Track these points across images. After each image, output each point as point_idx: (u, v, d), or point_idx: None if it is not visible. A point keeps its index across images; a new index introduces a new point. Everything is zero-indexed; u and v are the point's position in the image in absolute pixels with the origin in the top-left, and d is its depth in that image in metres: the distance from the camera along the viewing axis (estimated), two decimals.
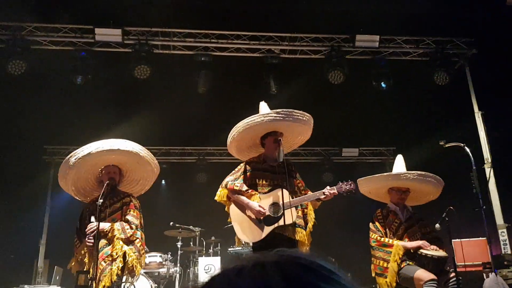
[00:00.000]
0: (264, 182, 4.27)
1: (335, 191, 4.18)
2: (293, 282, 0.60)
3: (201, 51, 8.13)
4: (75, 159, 4.47)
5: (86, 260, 4.31)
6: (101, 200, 4.21)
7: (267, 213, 4.07)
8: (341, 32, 8.13)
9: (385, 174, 5.03)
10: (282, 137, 4.42)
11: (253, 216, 4.15)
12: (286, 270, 0.61)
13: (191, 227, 8.17)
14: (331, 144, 10.36)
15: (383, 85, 8.27)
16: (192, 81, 8.19)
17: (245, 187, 4.22)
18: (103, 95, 8.30)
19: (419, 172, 4.93)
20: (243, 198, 4.20)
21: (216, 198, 4.36)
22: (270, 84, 8.05)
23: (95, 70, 8.03)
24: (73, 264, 4.42)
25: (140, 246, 4.32)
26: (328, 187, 4.19)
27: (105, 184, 4.37)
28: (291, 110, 4.33)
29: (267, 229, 4.06)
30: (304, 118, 4.40)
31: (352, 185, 4.27)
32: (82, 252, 4.34)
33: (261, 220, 4.09)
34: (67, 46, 8.01)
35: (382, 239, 4.66)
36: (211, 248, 8.10)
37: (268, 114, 4.34)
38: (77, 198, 4.82)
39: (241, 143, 4.65)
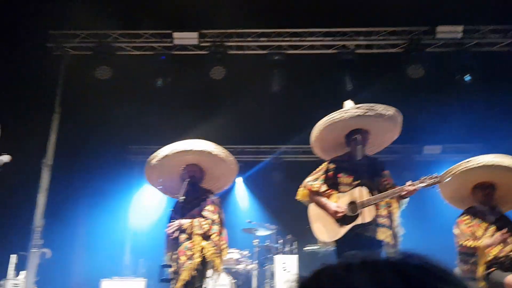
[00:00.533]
0: (346, 180, 4.20)
1: (416, 186, 3.99)
2: (411, 281, 0.58)
3: (274, 50, 8.17)
4: (155, 161, 4.77)
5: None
6: (183, 197, 4.40)
7: (344, 212, 4.00)
8: (420, 24, 7.77)
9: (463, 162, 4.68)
10: (368, 135, 4.32)
11: (331, 216, 4.11)
12: (401, 268, 0.59)
13: (267, 224, 8.23)
14: (410, 141, 9.94)
15: (467, 78, 7.79)
16: (266, 80, 8.25)
17: (323, 188, 4.19)
18: (181, 96, 8.59)
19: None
20: (322, 198, 4.19)
21: (297, 197, 4.40)
22: (345, 81, 7.89)
23: (174, 73, 8.35)
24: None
25: (218, 241, 4.42)
26: (409, 182, 4.02)
27: (185, 182, 4.55)
28: (373, 104, 4.21)
29: (344, 229, 3.99)
30: (388, 113, 4.23)
31: (437, 177, 4.00)
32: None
33: (339, 220, 4.03)
34: (148, 51, 8.41)
35: (467, 242, 4.38)
36: (288, 246, 8.09)
37: (348, 110, 4.26)
38: (166, 194, 5.11)
39: (325, 143, 4.60)
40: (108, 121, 8.42)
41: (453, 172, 4.55)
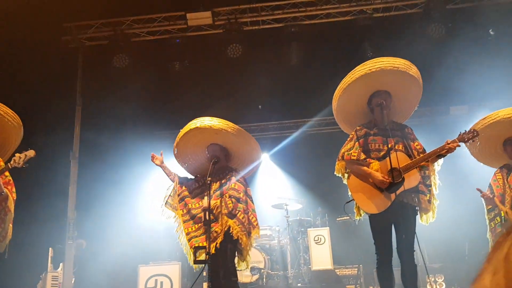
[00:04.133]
0: (377, 146, 4.09)
1: (457, 142, 3.90)
2: None
3: (290, 22, 8.00)
4: (178, 139, 4.73)
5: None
6: (209, 178, 4.38)
7: (390, 181, 3.90)
8: None
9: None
10: (390, 99, 4.20)
11: (374, 185, 4.01)
12: None
13: (296, 199, 8.24)
14: (436, 103, 9.72)
15: (490, 33, 7.49)
16: (284, 54, 8.11)
17: (362, 156, 4.08)
18: (200, 77, 8.56)
19: None
20: (363, 168, 4.05)
21: (335, 172, 4.29)
22: (365, 48, 7.69)
23: (191, 55, 8.30)
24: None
25: (243, 218, 4.40)
26: (448, 140, 3.92)
27: (211, 163, 4.53)
28: (379, 58, 4.08)
29: (392, 197, 3.88)
30: (398, 65, 4.08)
31: (474, 132, 3.94)
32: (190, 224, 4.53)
33: (383, 188, 3.95)
34: (162, 35, 8.35)
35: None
36: (319, 219, 8.09)
37: (355, 70, 4.14)
38: (189, 172, 5.07)
39: (348, 114, 4.49)
40: (131, 108, 8.44)
41: (481, 124, 4.42)
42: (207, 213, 4.29)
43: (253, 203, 4.60)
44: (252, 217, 4.50)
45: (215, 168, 4.58)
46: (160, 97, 9.11)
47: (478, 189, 4.44)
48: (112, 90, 8.40)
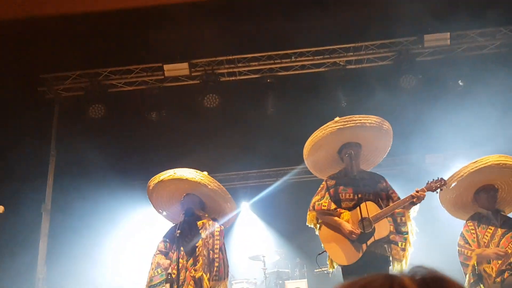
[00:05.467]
0: (347, 196, 4.10)
1: (425, 191, 3.92)
2: None
3: (266, 73, 8.17)
4: (152, 184, 4.68)
5: None
6: (179, 232, 4.28)
7: (359, 232, 3.86)
8: (407, 35, 7.78)
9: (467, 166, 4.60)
10: (360, 149, 4.26)
11: (345, 236, 3.97)
12: None
13: (274, 250, 8.10)
14: (411, 152, 9.85)
15: (460, 83, 7.75)
16: (261, 103, 8.23)
17: (333, 206, 4.07)
18: (178, 127, 8.57)
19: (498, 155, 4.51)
20: (334, 218, 4.03)
21: (307, 222, 4.26)
22: (340, 97, 7.86)
23: (168, 105, 8.34)
24: None
25: (215, 271, 4.29)
26: (417, 189, 3.93)
27: (181, 215, 4.45)
28: (351, 116, 4.18)
29: (363, 247, 3.84)
30: (369, 121, 4.19)
31: (442, 180, 3.98)
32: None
33: (354, 239, 3.90)
34: (140, 86, 8.41)
35: (466, 251, 4.29)
36: (297, 270, 7.93)
37: (327, 125, 4.22)
38: (169, 220, 4.97)
39: (318, 163, 4.54)
40: (106, 159, 8.34)
41: (460, 175, 4.48)
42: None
43: (225, 256, 4.50)
44: (221, 272, 4.39)
45: (191, 219, 4.50)
46: (136, 147, 9.05)
47: None
48: (87, 140, 8.33)
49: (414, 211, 4.09)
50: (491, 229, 4.36)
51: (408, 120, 7.84)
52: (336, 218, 4.00)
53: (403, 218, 4.04)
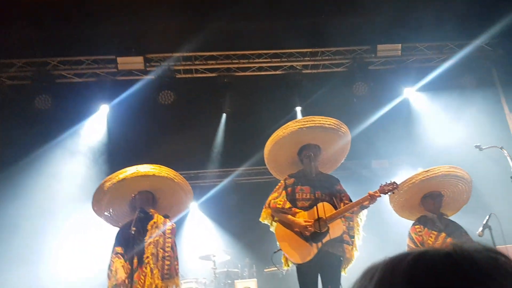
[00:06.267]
0: (304, 196, 4.19)
1: (379, 193, 4.07)
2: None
3: (223, 72, 8.14)
4: (110, 184, 4.49)
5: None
6: (134, 229, 4.18)
7: (313, 229, 3.95)
8: (362, 44, 8.05)
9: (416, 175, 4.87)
10: (320, 151, 4.37)
11: (299, 234, 4.03)
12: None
13: (224, 250, 8.08)
14: (359, 157, 10.17)
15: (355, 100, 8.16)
16: (216, 103, 8.19)
17: (288, 204, 4.13)
18: (130, 121, 8.33)
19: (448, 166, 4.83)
20: (288, 216, 4.10)
21: (260, 219, 4.30)
22: (295, 101, 8.00)
23: (120, 99, 8.10)
24: None
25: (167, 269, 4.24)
26: (370, 191, 4.07)
27: (136, 212, 4.34)
28: (311, 116, 4.30)
29: (316, 246, 3.92)
30: (328, 125, 4.33)
31: (394, 184, 4.15)
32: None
33: (308, 238, 3.97)
34: (91, 78, 8.11)
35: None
36: (247, 270, 7.96)
37: (288, 125, 4.31)
38: (109, 223, 4.81)
39: (278, 163, 4.61)
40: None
41: (412, 181, 4.74)
42: None
43: (176, 255, 4.45)
44: (172, 270, 4.33)
45: (143, 217, 4.41)
46: None
47: None
48: (32, 131, 7.92)
49: (361, 219, 4.25)
50: (435, 233, 4.66)
51: (358, 126, 8.10)
52: (290, 216, 4.09)
53: (351, 223, 4.17)
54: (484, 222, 4.71)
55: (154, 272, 4.15)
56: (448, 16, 7.34)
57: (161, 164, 4.71)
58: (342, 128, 4.45)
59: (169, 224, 4.49)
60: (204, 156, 9.55)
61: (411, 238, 4.75)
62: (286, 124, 4.41)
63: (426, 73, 8.10)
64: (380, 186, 4.17)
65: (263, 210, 4.31)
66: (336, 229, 3.99)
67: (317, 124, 4.32)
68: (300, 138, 4.38)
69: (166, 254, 4.28)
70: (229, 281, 7.63)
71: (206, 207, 10.18)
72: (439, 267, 0.61)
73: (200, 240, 9.24)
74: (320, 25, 7.62)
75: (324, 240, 3.93)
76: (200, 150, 9.42)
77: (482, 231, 4.67)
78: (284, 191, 4.26)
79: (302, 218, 4.05)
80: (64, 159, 8.03)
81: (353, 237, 4.15)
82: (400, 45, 7.93)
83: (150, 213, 4.51)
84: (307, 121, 4.35)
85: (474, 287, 0.59)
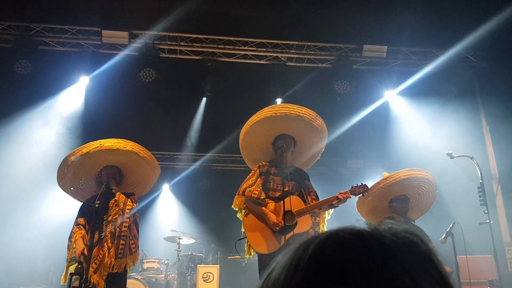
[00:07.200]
0: (275, 186, 4.16)
1: (349, 194, 4.09)
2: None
3: (207, 56, 8.09)
4: (73, 157, 4.44)
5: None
6: (98, 202, 4.15)
7: (282, 225, 3.93)
8: (348, 42, 8.05)
9: (382, 180, 4.91)
10: (294, 143, 4.34)
11: (268, 226, 4.02)
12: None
13: (190, 233, 8.08)
14: (336, 155, 10.22)
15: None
16: (198, 87, 8.14)
17: (263, 195, 4.10)
18: (108, 95, 8.25)
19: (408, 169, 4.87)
20: (262, 208, 4.06)
21: (233, 206, 4.25)
22: (275, 91, 7.98)
23: (101, 72, 8.02)
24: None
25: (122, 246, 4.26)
26: (341, 191, 4.09)
27: (102, 187, 4.30)
28: (286, 103, 4.27)
29: (282, 239, 3.91)
30: (303, 114, 4.29)
31: (365, 186, 4.17)
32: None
33: (276, 231, 3.97)
34: (73, 48, 8.00)
35: None
36: (211, 256, 7.97)
37: (263, 110, 4.28)
38: (75, 198, 4.76)
39: (252, 151, 4.57)
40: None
41: (374, 190, 4.76)
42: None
43: (138, 232, 4.43)
44: (133, 245, 4.32)
45: (107, 193, 4.37)
46: None
47: None
48: (8, 95, 7.81)
49: (328, 214, 4.25)
50: None
51: (338, 124, 8.13)
52: (263, 208, 4.05)
53: (317, 219, 4.17)
54: (448, 230, 4.75)
55: (111, 250, 4.14)
56: (435, 23, 7.37)
57: (136, 142, 4.67)
58: (317, 120, 4.40)
59: (128, 202, 4.45)
60: (180, 139, 9.51)
61: None
62: (262, 109, 4.37)
63: (408, 77, 8.14)
64: (352, 187, 4.18)
65: (236, 197, 4.23)
66: (303, 224, 3.99)
67: (292, 112, 4.27)
68: (274, 125, 4.34)
69: (122, 233, 4.26)
70: (192, 265, 7.63)
71: (177, 189, 10.15)
72: (347, 242, 0.64)
73: (167, 221, 9.22)
74: (308, 19, 7.60)
75: (289, 235, 3.92)
76: (177, 132, 9.37)
77: (445, 238, 4.71)
78: (259, 179, 4.21)
79: (271, 208, 4.04)
80: (37, 127, 7.92)
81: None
82: (386, 47, 7.95)
83: (112, 190, 4.47)
84: (283, 107, 4.31)
85: (375, 261, 0.61)
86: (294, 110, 4.29)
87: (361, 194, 4.22)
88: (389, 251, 0.63)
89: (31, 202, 7.68)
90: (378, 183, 4.82)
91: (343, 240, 0.64)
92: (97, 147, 4.40)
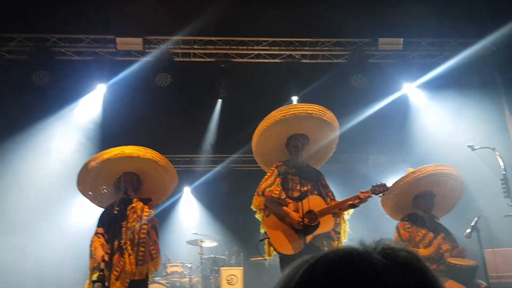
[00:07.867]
0: (294, 186, 4.12)
1: (370, 194, 4.02)
2: None
3: (221, 58, 8.09)
4: (94, 163, 4.50)
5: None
6: (117, 209, 4.19)
7: (306, 223, 3.88)
8: (363, 36, 7.92)
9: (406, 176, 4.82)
10: (307, 141, 4.30)
11: (291, 226, 3.98)
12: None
13: (212, 236, 8.09)
14: (356, 151, 10.07)
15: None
16: (213, 89, 8.15)
17: (283, 195, 4.05)
18: (126, 102, 8.33)
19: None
20: (283, 207, 4.01)
21: (252, 206, 4.22)
22: (291, 89, 7.92)
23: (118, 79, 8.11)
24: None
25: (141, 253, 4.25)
26: (362, 191, 4.02)
27: (121, 193, 4.34)
28: (293, 104, 4.22)
29: (307, 239, 3.86)
30: (312, 111, 4.23)
31: (385, 185, 4.10)
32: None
33: (298, 230, 3.92)
34: (90, 56, 8.10)
35: None
36: (234, 258, 7.96)
37: (270, 115, 4.24)
38: (93, 202, 4.82)
39: (266, 155, 4.54)
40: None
41: (400, 184, 4.68)
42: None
43: (157, 236, 4.45)
44: (153, 250, 4.34)
45: (126, 199, 4.41)
46: None
47: None
48: (28, 107, 7.95)
49: (348, 214, 4.19)
50: (423, 231, 4.60)
51: (356, 119, 8.01)
52: (284, 207, 4.01)
53: (338, 219, 4.12)
54: (473, 224, 4.63)
55: (131, 258, 4.17)
56: (452, 13, 7.19)
57: (155, 146, 4.72)
58: (327, 114, 4.35)
59: (146, 209, 4.48)
60: (199, 141, 9.53)
61: (399, 233, 4.71)
62: (269, 114, 4.33)
63: (427, 69, 7.96)
64: (372, 187, 4.11)
65: (255, 197, 4.20)
66: (326, 224, 3.95)
67: (301, 111, 4.22)
68: (285, 127, 4.31)
69: (141, 240, 4.28)
70: (215, 268, 7.64)
71: (198, 192, 10.18)
72: (335, 265, 0.65)
73: (189, 225, 9.26)
74: (320, 15, 7.51)
75: (312, 235, 3.88)
76: (195, 134, 9.40)
77: (470, 233, 4.59)
78: (278, 178, 4.16)
79: (292, 209, 4.01)
80: (57, 136, 8.04)
81: (339, 233, 4.10)
82: (402, 39, 7.79)
83: (130, 197, 4.51)
84: (291, 108, 4.28)
85: (360, 283, 0.61)
86: (303, 109, 4.25)
87: (381, 194, 4.15)
88: (376, 272, 0.62)
89: (53, 211, 7.80)
90: (404, 176, 4.75)
91: (331, 263, 0.64)
92: (118, 153, 4.46)
